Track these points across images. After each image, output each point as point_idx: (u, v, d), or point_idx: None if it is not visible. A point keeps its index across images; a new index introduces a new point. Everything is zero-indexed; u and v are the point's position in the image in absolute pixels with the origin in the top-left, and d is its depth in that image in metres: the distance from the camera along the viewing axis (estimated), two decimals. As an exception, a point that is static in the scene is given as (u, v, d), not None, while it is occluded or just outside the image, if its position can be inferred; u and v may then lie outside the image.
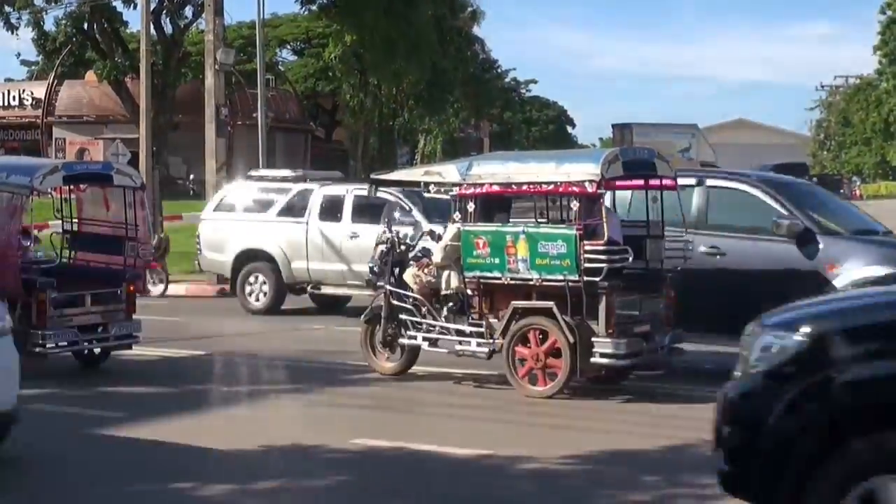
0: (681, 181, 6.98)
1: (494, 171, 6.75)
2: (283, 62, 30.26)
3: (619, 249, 6.16)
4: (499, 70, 36.39)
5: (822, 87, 44.23)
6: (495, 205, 6.81)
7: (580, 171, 6.20)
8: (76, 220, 8.07)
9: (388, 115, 27.78)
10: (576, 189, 6.18)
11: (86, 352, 7.65)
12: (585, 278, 5.92)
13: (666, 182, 6.71)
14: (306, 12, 25.23)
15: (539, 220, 7.06)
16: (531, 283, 6.28)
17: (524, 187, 6.56)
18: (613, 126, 26.24)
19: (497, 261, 6.34)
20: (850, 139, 41.01)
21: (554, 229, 6.48)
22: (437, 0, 24.66)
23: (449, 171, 6.95)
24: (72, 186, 7.91)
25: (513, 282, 6.37)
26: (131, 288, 7.65)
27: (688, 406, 5.89)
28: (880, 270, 6.32)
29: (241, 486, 4.28)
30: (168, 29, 23.76)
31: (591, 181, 5.97)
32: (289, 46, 30.30)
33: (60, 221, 8.22)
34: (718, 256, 6.84)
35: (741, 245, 6.89)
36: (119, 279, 7.55)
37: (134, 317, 7.70)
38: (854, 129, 39.24)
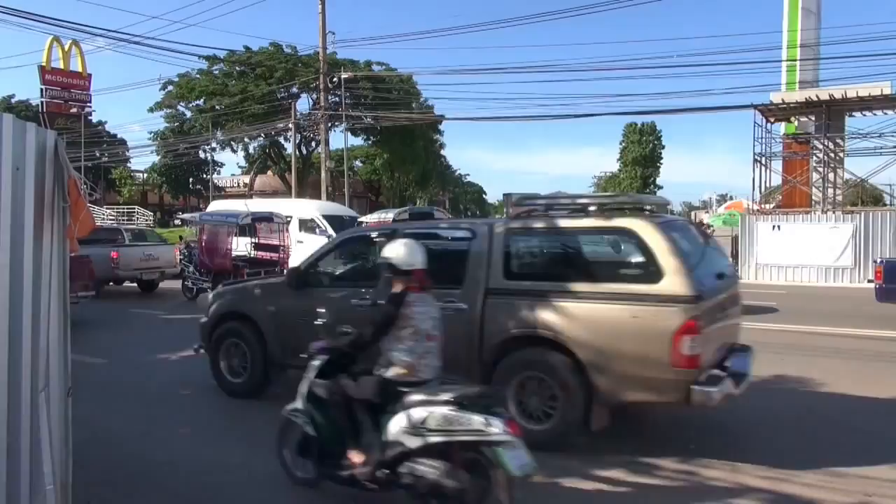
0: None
1: (372, 217, 14.38)
2: (356, 166, 56.42)
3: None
4: (452, 170, 66.53)
5: (595, 177, 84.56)
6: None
7: (389, 217, 12.53)
8: (257, 237, 14.81)
9: (403, 190, 54.35)
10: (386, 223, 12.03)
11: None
12: None
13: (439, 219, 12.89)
14: (367, 144, 51.81)
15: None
16: None
17: (378, 223, 12.56)
18: (504, 194, 53.51)
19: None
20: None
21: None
22: (425, 137, 50.77)
23: (366, 219, 14.79)
24: (255, 222, 14.54)
25: None
26: (282, 268, 13.39)
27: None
28: None
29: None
30: (304, 151, 50.47)
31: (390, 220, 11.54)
32: (358, 159, 56.72)
33: (248, 238, 14.76)
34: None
35: None
36: (276, 264, 13.68)
37: None
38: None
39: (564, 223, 5.02)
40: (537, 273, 5.19)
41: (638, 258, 4.64)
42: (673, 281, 4.34)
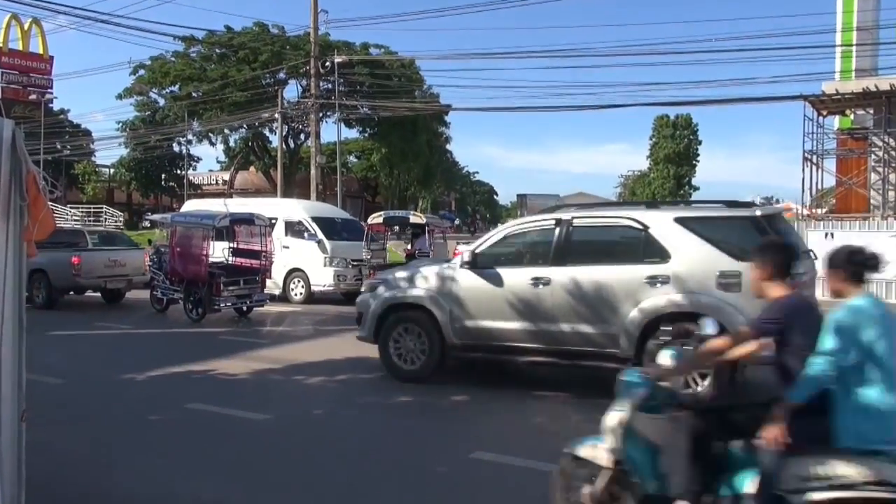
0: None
1: (373, 220, 16.26)
2: (350, 162, 56.57)
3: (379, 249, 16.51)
4: (459, 167, 67.44)
5: (622, 176, 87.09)
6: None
7: (374, 221, 16.37)
8: (236, 242, 14.59)
9: (403, 190, 54.66)
10: (376, 227, 16.26)
11: (243, 308, 13.72)
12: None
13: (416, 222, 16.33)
14: (363, 137, 51.98)
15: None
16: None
17: (377, 224, 16.25)
18: (518, 195, 54.76)
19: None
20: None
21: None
22: (429, 130, 50.85)
23: (375, 218, 16.43)
24: (234, 225, 14.20)
25: None
26: (263, 277, 13.89)
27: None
28: None
29: (305, 375, 8.61)
30: (291, 145, 50.12)
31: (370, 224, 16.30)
32: (353, 154, 56.85)
33: (225, 243, 14.57)
34: None
35: None
36: (257, 272, 13.78)
37: (264, 291, 13.97)
38: (636, 198, 69.41)
39: None
40: None
41: None
42: None
